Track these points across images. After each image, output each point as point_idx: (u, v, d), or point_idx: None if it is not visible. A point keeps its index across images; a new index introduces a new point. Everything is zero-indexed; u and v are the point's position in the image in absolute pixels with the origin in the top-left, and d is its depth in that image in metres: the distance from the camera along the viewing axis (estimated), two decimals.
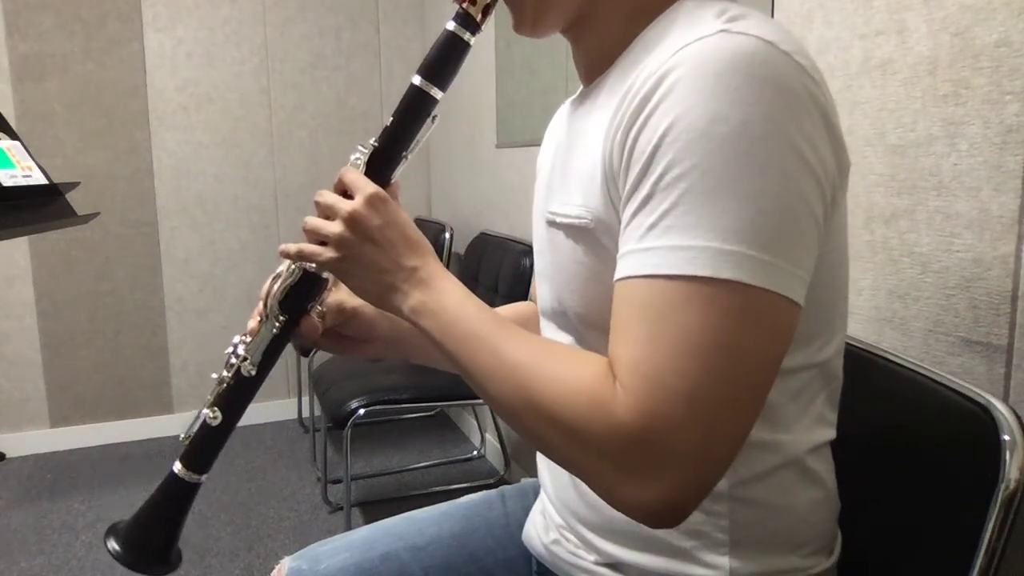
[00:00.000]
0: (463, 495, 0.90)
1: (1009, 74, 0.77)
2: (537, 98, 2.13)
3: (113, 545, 0.69)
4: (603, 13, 0.63)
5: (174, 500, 0.71)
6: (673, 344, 0.47)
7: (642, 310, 0.49)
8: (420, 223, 2.61)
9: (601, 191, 0.57)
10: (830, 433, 0.64)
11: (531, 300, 0.92)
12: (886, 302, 0.93)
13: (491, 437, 2.65)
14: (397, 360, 2.33)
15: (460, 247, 2.60)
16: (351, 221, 0.61)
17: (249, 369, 0.69)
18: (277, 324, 0.69)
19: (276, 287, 0.69)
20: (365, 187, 0.62)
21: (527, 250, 2.02)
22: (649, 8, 0.60)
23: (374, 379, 2.10)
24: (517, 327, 0.58)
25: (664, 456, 0.47)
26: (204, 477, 0.71)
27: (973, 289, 0.82)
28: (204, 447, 0.70)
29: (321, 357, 2.42)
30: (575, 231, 0.60)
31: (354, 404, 1.92)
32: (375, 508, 2.34)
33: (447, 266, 1.31)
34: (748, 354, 0.47)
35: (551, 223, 0.64)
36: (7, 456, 2.70)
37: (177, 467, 0.70)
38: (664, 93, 0.49)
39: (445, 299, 0.60)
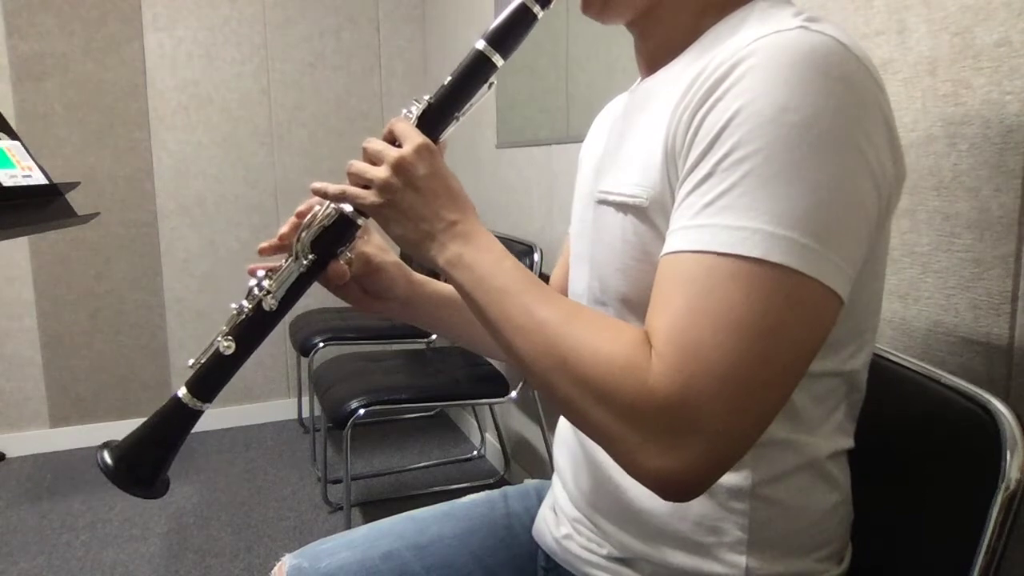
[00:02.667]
0: (463, 495, 0.90)
1: (1009, 74, 0.77)
2: (537, 98, 2.13)
3: (104, 458, 0.67)
4: (672, 5, 0.63)
5: (173, 424, 0.70)
6: (714, 319, 0.47)
7: (687, 284, 0.49)
8: None
9: (660, 171, 0.56)
10: (849, 442, 0.64)
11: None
12: (886, 302, 0.93)
13: (491, 437, 2.65)
14: (397, 360, 2.34)
15: None
16: (398, 167, 0.62)
17: (271, 303, 0.69)
18: (305, 262, 0.69)
19: (311, 228, 0.69)
20: (415, 137, 0.63)
21: (527, 250, 2.02)
22: (720, 4, 0.61)
23: (374, 379, 2.10)
24: (552, 289, 0.58)
25: (691, 427, 0.47)
26: (207, 406, 0.70)
27: (973, 289, 0.82)
28: (212, 375, 0.69)
29: (321, 357, 2.41)
30: (628, 209, 0.60)
31: (354, 404, 1.92)
32: (375, 508, 2.34)
33: None
34: (786, 339, 0.47)
35: (601, 202, 0.64)
36: (7, 456, 2.70)
37: (182, 392, 0.69)
38: (737, 78, 0.50)
39: (482, 254, 0.60)
